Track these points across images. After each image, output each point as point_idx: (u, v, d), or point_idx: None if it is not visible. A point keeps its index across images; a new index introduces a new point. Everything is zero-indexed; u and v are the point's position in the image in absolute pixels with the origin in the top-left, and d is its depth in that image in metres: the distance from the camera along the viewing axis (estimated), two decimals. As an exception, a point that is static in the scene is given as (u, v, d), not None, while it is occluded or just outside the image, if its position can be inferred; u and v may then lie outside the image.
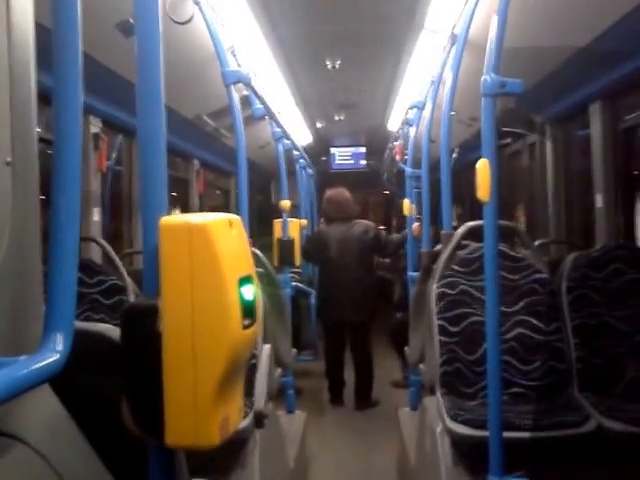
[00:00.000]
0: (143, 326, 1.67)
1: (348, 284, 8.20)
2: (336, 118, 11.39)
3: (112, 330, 1.92)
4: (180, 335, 1.64)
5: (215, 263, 1.66)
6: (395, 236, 8.51)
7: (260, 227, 11.67)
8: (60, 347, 1.44)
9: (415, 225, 7.43)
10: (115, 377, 1.70)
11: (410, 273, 7.24)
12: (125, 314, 1.71)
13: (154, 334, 1.65)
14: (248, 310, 1.72)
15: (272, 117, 6.52)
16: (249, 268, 1.81)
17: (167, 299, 1.67)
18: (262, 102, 5.72)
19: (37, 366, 1.35)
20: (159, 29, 1.81)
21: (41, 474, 1.40)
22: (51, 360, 1.40)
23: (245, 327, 1.70)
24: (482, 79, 3.11)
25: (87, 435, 1.63)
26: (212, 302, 1.65)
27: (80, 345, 1.51)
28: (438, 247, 5.30)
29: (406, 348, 6.54)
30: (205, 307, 1.64)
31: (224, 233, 1.72)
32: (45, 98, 1.56)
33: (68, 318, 1.49)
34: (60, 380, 1.45)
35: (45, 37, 1.51)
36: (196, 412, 1.65)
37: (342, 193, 8.68)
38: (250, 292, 1.74)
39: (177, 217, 1.73)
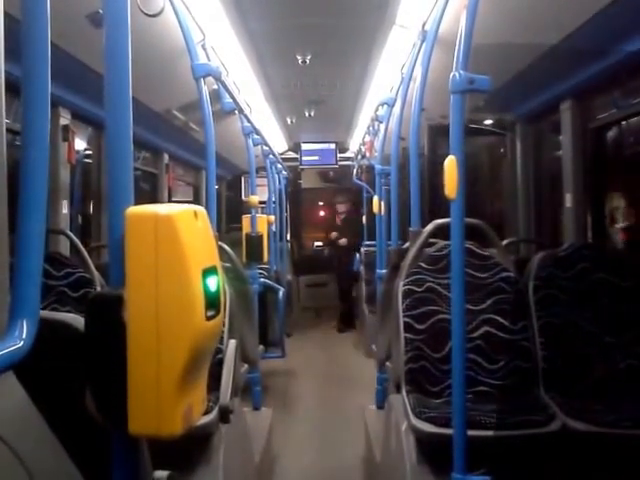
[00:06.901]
0: (108, 315, 1.67)
1: None
2: (306, 114, 11.33)
3: (77, 319, 1.93)
4: (144, 324, 1.65)
5: (180, 253, 1.67)
6: None
7: (229, 223, 11.60)
8: (25, 334, 1.47)
9: None
10: (79, 365, 1.70)
11: (378, 271, 7.25)
12: (90, 303, 1.71)
13: (119, 323, 1.66)
14: (212, 301, 1.73)
15: (241, 111, 6.50)
16: (214, 259, 1.82)
17: (132, 289, 1.67)
18: (231, 96, 5.70)
19: (2, 353, 1.38)
20: (127, 21, 1.80)
21: (5, 463, 1.40)
22: (16, 347, 1.43)
23: (209, 318, 1.72)
24: (451, 76, 3.10)
25: (50, 423, 1.63)
26: (176, 292, 1.66)
27: (45, 333, 1.54)
28: (406, 245, 5.30)
29: (373, 345, 6.54)
30: (169, 297, 1.65)
31: (189, 224, 1.73)
32: (13, 89, 1.55)
33: (33, 306, 1.51)
34: (25, 368, 1.47)
35: (13, 27, 1.50)
36: (159, 401, 1.66)
37: None
38: (214, 283, 1.76)
39: (143, 207, 1.73)
